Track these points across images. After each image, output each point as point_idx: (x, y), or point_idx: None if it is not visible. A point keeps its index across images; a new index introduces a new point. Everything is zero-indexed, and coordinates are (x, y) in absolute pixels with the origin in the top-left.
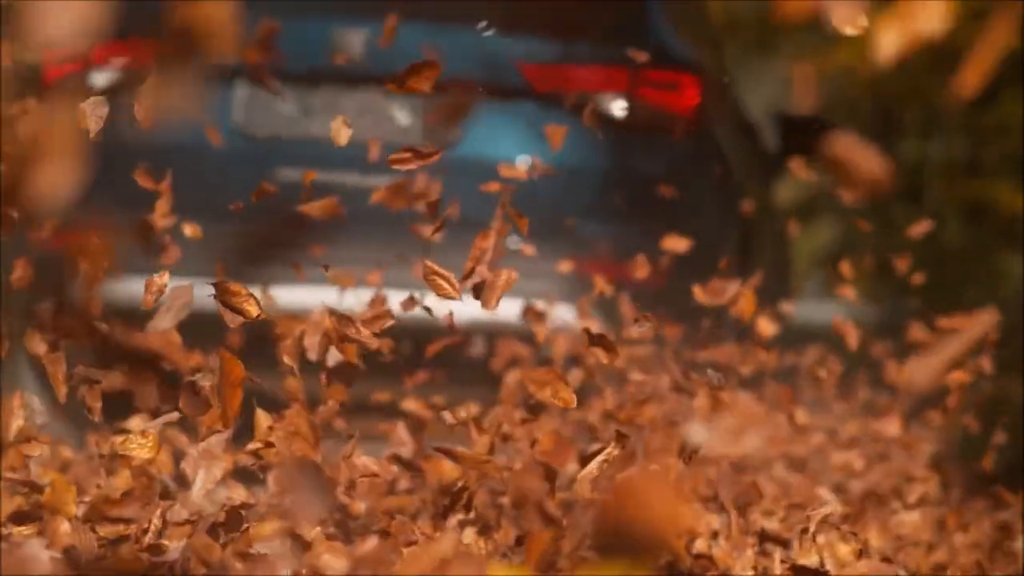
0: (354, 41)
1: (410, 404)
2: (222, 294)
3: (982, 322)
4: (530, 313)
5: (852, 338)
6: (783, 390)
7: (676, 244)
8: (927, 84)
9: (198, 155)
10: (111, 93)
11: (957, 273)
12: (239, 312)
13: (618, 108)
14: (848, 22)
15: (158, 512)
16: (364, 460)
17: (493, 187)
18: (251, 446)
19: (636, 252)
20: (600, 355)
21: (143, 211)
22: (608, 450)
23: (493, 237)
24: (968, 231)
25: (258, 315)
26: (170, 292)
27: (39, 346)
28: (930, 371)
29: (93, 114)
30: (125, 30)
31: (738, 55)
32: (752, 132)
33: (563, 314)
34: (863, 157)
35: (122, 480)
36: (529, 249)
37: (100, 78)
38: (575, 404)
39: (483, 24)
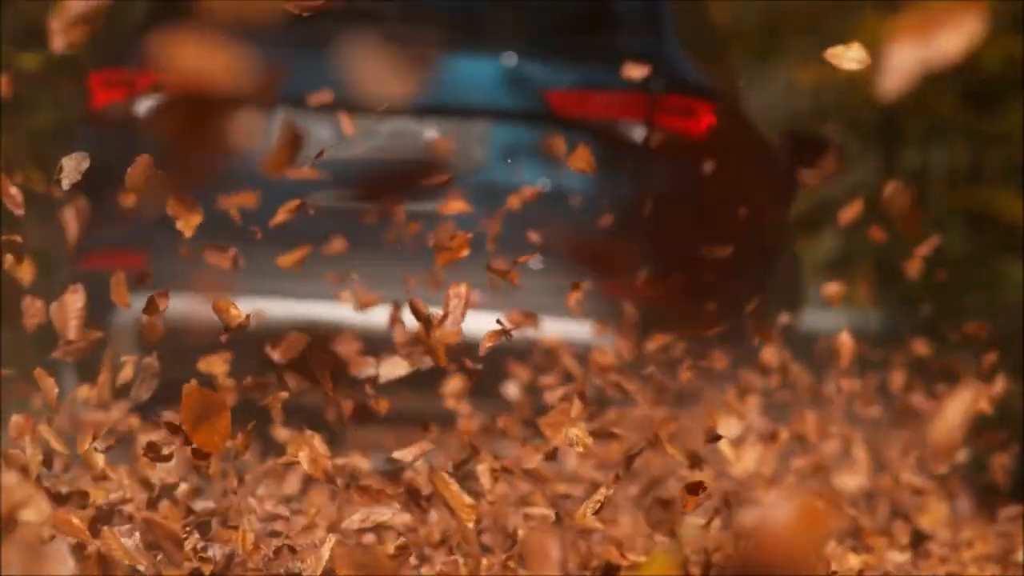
0: None
1: (452, 403)
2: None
3: (982, 392)
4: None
5: (846, 355)
6: (804, 417)
7: (718, 251)
8: (929, 92)
9: (237, 178)
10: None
11: (959, 280)
12: (226, 324)
13: (636, 134)
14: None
15: (197, 537)
16: (365, 516)
17: (453, 206)
18: (282, 460)
19: (653, 271)
20: (576, 408)
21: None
22: (602, 490)
23: (466, 288)
24: (970, 238)
25: (241, 323)
26: (142, 365)
27: (94, 397)
28: (947, 433)
29: (71, 169)
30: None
31: (741, 62)
32: (767, 150)
33: (579, 330)
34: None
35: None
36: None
37: (144, 106)
38: (592, 447)
39: (507, 53)
